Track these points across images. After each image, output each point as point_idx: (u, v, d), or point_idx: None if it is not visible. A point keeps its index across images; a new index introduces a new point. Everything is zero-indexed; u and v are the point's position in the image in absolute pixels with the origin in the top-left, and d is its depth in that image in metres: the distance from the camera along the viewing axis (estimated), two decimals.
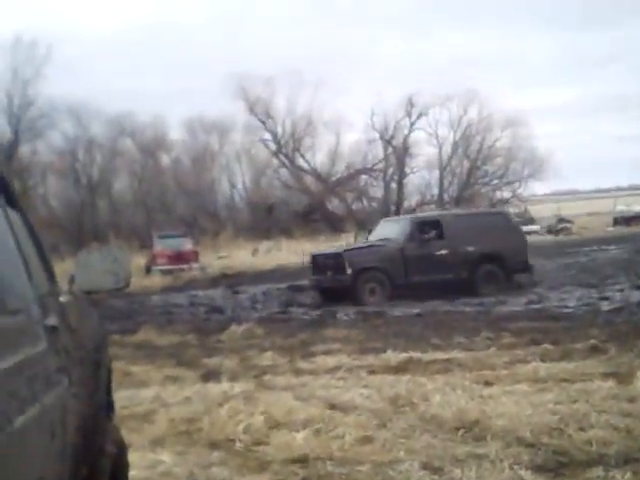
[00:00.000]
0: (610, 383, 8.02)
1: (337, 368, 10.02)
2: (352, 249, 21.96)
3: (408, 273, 19.91)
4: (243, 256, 40.87)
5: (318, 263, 21.19)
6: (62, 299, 3.50)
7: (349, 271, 19.62)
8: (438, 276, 19.85)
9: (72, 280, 4.08)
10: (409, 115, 62.37)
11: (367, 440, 6.54)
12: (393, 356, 10.73)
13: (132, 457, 4.81)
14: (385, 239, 21.15)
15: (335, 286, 20.10)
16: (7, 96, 51.43)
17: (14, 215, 3.19)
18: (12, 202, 3.23)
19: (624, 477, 5.24)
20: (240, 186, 62.14)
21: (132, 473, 4.74)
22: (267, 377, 9.68)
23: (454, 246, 20.30)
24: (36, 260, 3.34)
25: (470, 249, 20.30)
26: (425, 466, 5.73)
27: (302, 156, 62.59)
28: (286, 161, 62.20)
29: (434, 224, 21.07)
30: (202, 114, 60.37)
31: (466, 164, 63.83)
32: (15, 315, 2.52)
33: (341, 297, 19.50)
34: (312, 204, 59.54)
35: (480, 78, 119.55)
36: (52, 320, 2.92)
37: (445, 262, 20.06)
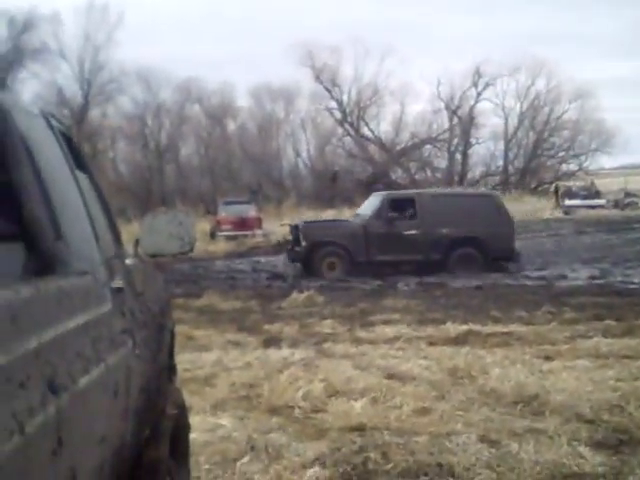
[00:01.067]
0: None
1: (396, 338, 10.04)
2: (314, 222, 22.30)
3: (370, 250, 19.51)
4: None
5: (292, 233, 21.38)
6: (128, 262, 3.55)
7: (303, 243, 19.77)
8: (405, 256, 19.46)
9: (138, 243, 4.14)
10: (476, 85, 61.93)
11: (425, 411, 6.55)
12: (452, 328, 10.71)
13: (193, 420, 4.89)
14: (358, 214, 21.32)
15: (294, 257, 20.32)
16: (79, 61, 52.20)
17: (83, 178, 3.25)
18: (81, 165, 3.29)
19: None
20: (304, 154, 62.30)
21: (192, 436, 4.81)
22: (327, 345, 9.73)
23: (426, 227, 19.60)
24: (103, 223, 3.40)
25: (444, 231, 19.53)
26: (482, 439, 5.73)
27: (367, 125, 62.49)
28: (351, 130, 62.09)
29: (408, 202, 20.33)
30: (268, 82, 60.56)
31: (532, 136, 63.10)
32: (82, 276, 2.57)
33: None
34: (375, 173, 59.32)
35: (549, 49, 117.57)
36: (118, 282, 2.97)
37: (414, 242, 19.47)
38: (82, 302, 2.47)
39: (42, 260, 2.43)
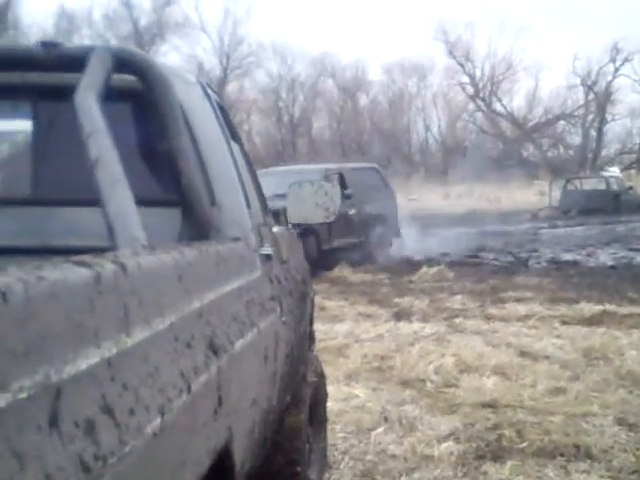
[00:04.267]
0: None
1: (528, 316, 9.89)
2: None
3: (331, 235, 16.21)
4: (433, 199, 40.68)
5: None
6: (274, 230, 3.61)
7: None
8: (352, 239, 16.97)
9: (284, 212, 4.21)
10: (613, 61, 60.17)
11: (559, 391, 6.44)
12: (587, 307, 10.45)
13: (328, 389, 4.94)
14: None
15: None
16: (219, 35, 53.09)
17: (235, 147, 3.31)
18: (233, 134, 3.35)
19: None
20: (435, 130, 61.87)
21: (328, 404, 4.88)
22: (458, 320, 9.67)
23: (358, 205, 17.08)
24: (253, 191, 3.46)
25: (368, 209, 17.42)
26: (620, 422, 5.60)
27: (499, 100, 61.63)
28: (482, 105, 61.33)
29: (342, 179, 17.19)
30: (401, 57, 60.39)
31: None
32: (236, 242, 2.63)
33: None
34: (506, 150, 58.48)
35: None
36: (267, 249, 3.03)
37: (356, 224, 16.97)
38: (236, 267, 2.53)
39: (197, 226, 2.49)
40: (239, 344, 2.22)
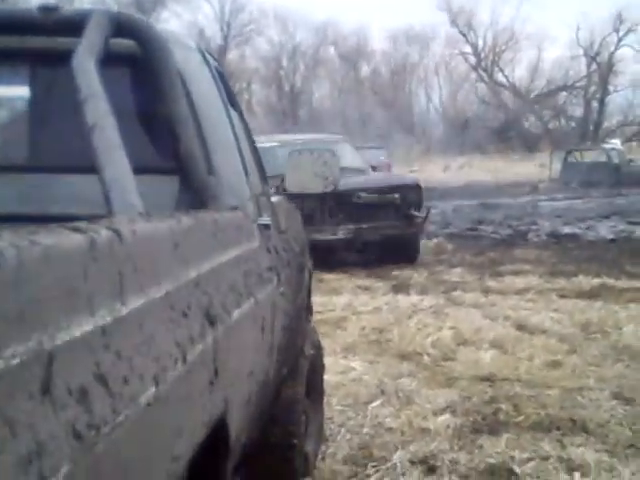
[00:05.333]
0: None
1: (526, 289, 9.89)
2: None
3: None
4: (434, 171, 40.64)
5: None
6: (273, 199, 3.58)
7: None
8: None
9: (282, 181, 4.18)
10: (617, 31, 59.85)
11: (556, 364, 6.45)
12: (585, 281, 10.45)
13: (325, 361, 4.94)
14: None
15: None
16: (220, 2, 52.75)
17: (234, 115, 3.27)
18: (232, 102, 3.31)
19: None
20: (436, 100, 61.73)
21: (325, 377, 4.88)
22: (456, 293, 9.67)
23: None
24: (251, 160, 3.43)
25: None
26: (616, 396, 5.60)
27: (501, 70, 61.43)
28: (484, 75, 61.13)
29: None
30: (404, 25, 60.14)
31: None
32: (234, 211, 2.61)
33: None
34: (508, 121, 58.32)
35: None
36: (265, 219, 3.00)
37: None
38: (234, 236, 2.51)
39: (195, 194, 2.47)
40: (236, 314, 2.20)
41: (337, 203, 11.95)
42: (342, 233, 12.10)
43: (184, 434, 1.68)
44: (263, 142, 11.02)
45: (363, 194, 12.19)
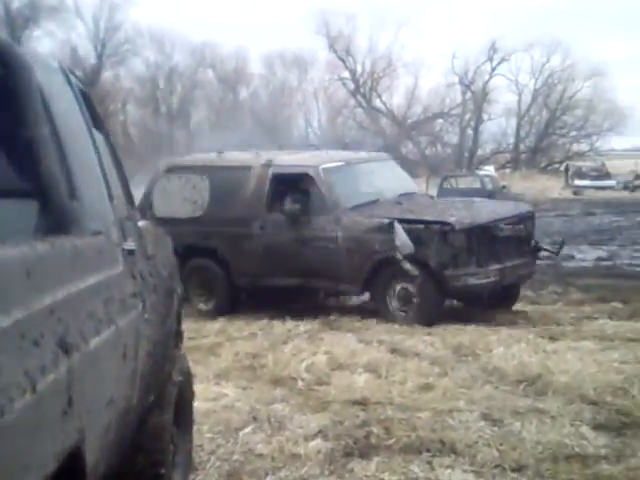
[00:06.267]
0: None
1: None
2: None
3: None
4: None
5: None
6: (140, 224, 3.52)
7: None
8: None
9: (150, 206, 4.11)
10: (491, 60, 61.38)
11: (427, 387, 6.55)
12: (458, 304, 10.66)
13: (196, 388, 4.88)
14: None
15: None
16: (94, 20, 51.91)
17: (99, 137, 3.21)
18: (97, 124, 3.24)
19: None
20: (315, 124, 62.10)
21: (195, 404, 4.82)
22: (332, 317, 9.71)
23: None
24: (117, 183, 3.36)
25: None
26: (485, 417, 5.72)
27: (379, 97, 62.22)
28: (363, 101, 61.87)
29: None
30: (283, 49, 60.33)
31: (545, 114, 62.70)
32: (96, 237, 2.55)
33: None
34: (386, 147, 59.05)
35: (565, 27, 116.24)
36: (130, 244, 2.95)
37: None
38: (95, 262, 2.45)
39: (55, 219, 2.40)
40: (94, 342, 2.15)
41: (479, 238, 9.77)
42: (493, 275, 9.78)
43: (33, 465, 1.63)
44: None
45: (505, 226, 10.06)
